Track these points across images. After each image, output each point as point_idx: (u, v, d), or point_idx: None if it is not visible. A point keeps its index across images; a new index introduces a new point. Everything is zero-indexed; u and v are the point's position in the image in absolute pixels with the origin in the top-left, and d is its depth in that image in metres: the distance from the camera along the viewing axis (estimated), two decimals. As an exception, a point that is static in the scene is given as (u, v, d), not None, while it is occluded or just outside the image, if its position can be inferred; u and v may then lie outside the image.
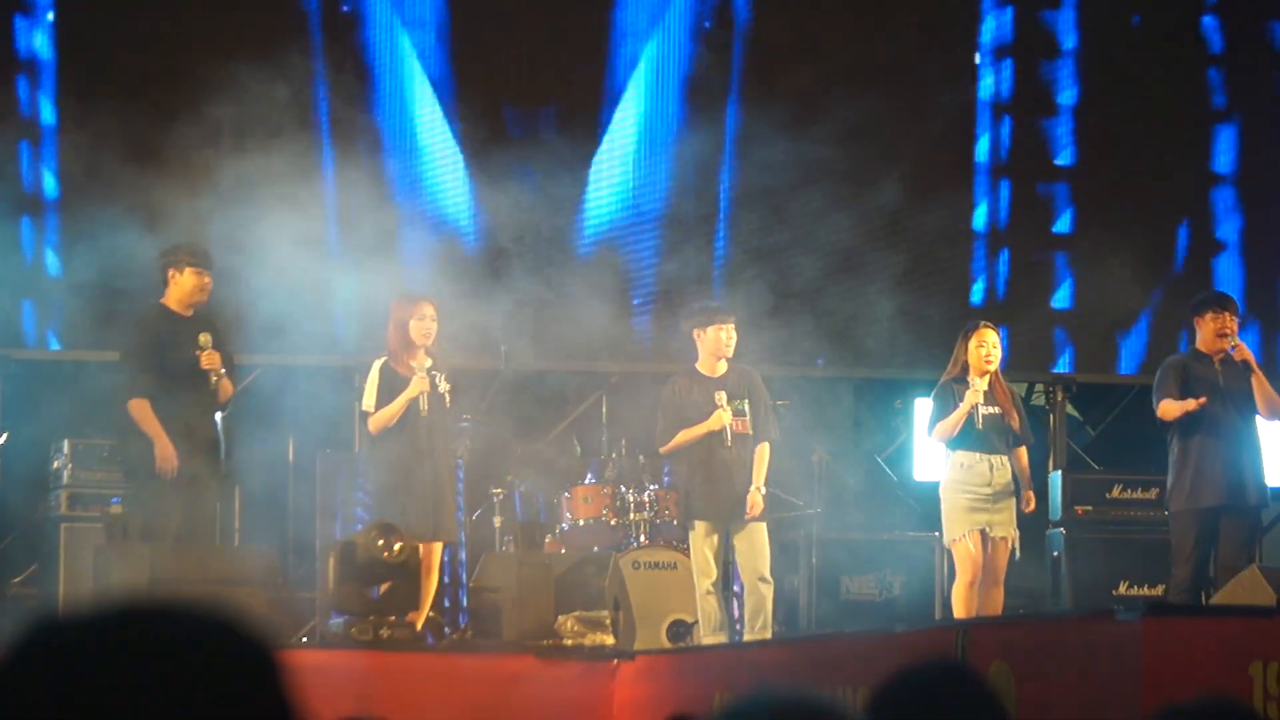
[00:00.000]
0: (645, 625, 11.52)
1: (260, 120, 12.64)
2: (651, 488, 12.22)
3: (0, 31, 13.12)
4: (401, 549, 10.69)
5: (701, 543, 11.01)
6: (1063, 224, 14.35)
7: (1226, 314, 11.08)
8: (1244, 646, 6.78)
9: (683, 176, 13.87)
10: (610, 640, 11.17)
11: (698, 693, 9.63)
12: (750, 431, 11.04)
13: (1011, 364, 12.16)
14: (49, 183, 13.11)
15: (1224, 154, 14.48)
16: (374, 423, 11.00)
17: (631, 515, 12.15)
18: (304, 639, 12.23)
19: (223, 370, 10.70)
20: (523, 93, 13.72)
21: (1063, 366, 14.32)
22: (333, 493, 12.78)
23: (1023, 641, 7.65)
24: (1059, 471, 13.33)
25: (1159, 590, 12.36)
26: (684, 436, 11.05)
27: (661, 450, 11.28)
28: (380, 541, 10.68)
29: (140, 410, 10.55)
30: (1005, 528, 10.90)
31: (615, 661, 10.60)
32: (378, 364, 11.08)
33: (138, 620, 1.79)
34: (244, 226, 12.19)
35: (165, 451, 10.45)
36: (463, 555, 12.49)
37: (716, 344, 11.08)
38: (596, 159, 13.73)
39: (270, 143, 12.54)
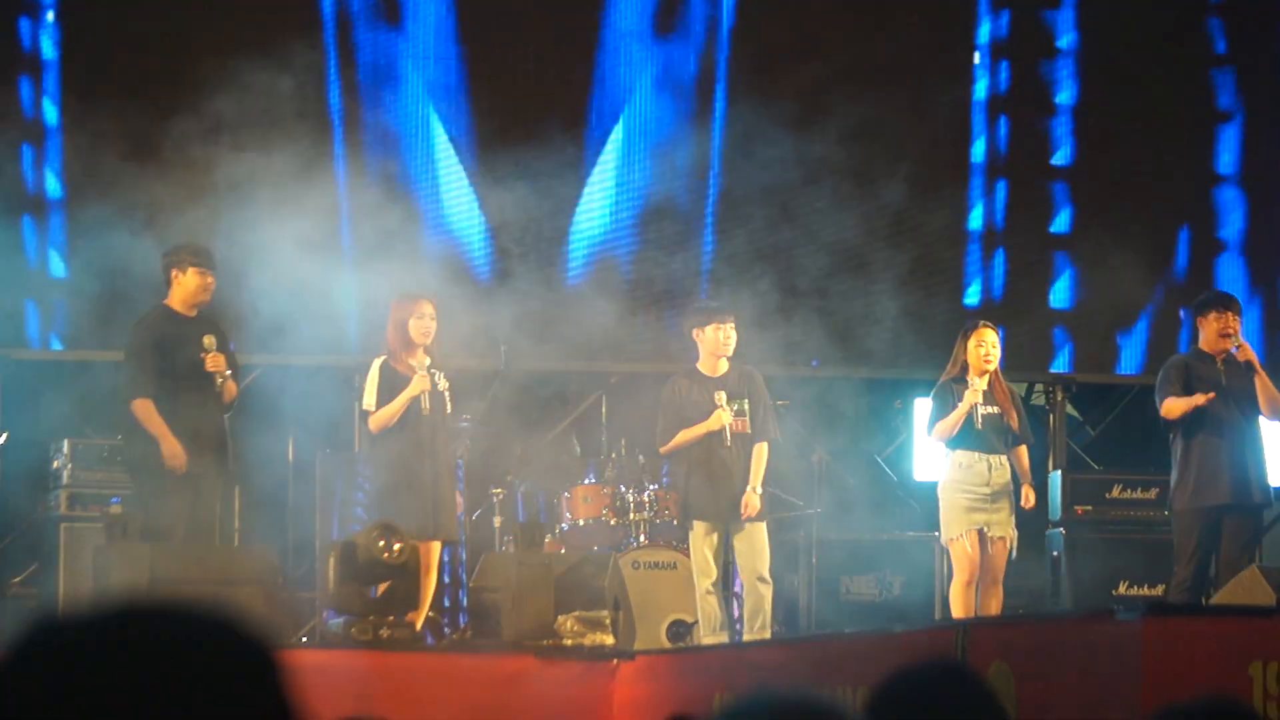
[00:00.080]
0: (645, 625, 11.53)
1: (262, 119, 12.64)
2: (651, 488, 12.22)
3: (4, 32, 13.11)
4: (402, 550, 10.69)
5: (701, 543, 11.02)
6: (1063, 223, 14.35)
7: (1230, 314, 11.08)
8: (1244, 646, 6.78)
9: (683, 176, 13.86)
10: (610, 640, 11.17)
11: (698, 693, 9.63)
12: (750, 431, 11.04)
13: (1011, 364, 12.15)
14: (52, 183, 13.10)
15: (1227, 154, 14.49)
16: (375, 421, 11.00)
17: (631, 515, 12.16)
18: (304, 639, 12.23)
19: (228, 372, 10.70)
20: (525, 93, 13.72)
21: (1062, 366, 14.32)
22: (333, 493, 12.78)
23: (1023, 641, 7.66)
24: (1059, 471, 13.33)
25: (1159, 590, 12.36)
26: (684, 436, 11.06)
27: (662, 450, 11.28)
28: (381, 542, 10.67)
29: (144, 410, 10.54)
30: (1003, 527, 10.91)
31: (615, 661, 10.60)
32: (377, 363, 11.08)
33: (138, 620, 1.79)
34: (245, 226, 12.19)
35: (172, 448, 10.45)
36: (463, 555, 12.50)
37: (716, 343, 11.08)
38: (598, 159, 13.73)
39: (272, 142, 12.53)
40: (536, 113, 13.65)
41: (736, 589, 11.68)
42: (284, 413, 12.80)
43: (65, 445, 12.27)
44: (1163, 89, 14.42)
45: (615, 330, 13.28)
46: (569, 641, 11.06)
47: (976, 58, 14.30)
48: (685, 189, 13.88)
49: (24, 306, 13.13)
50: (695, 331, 11.20)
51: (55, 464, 12.33)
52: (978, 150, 14.25)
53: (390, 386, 10.97)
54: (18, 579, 12.81)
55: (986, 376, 10.96)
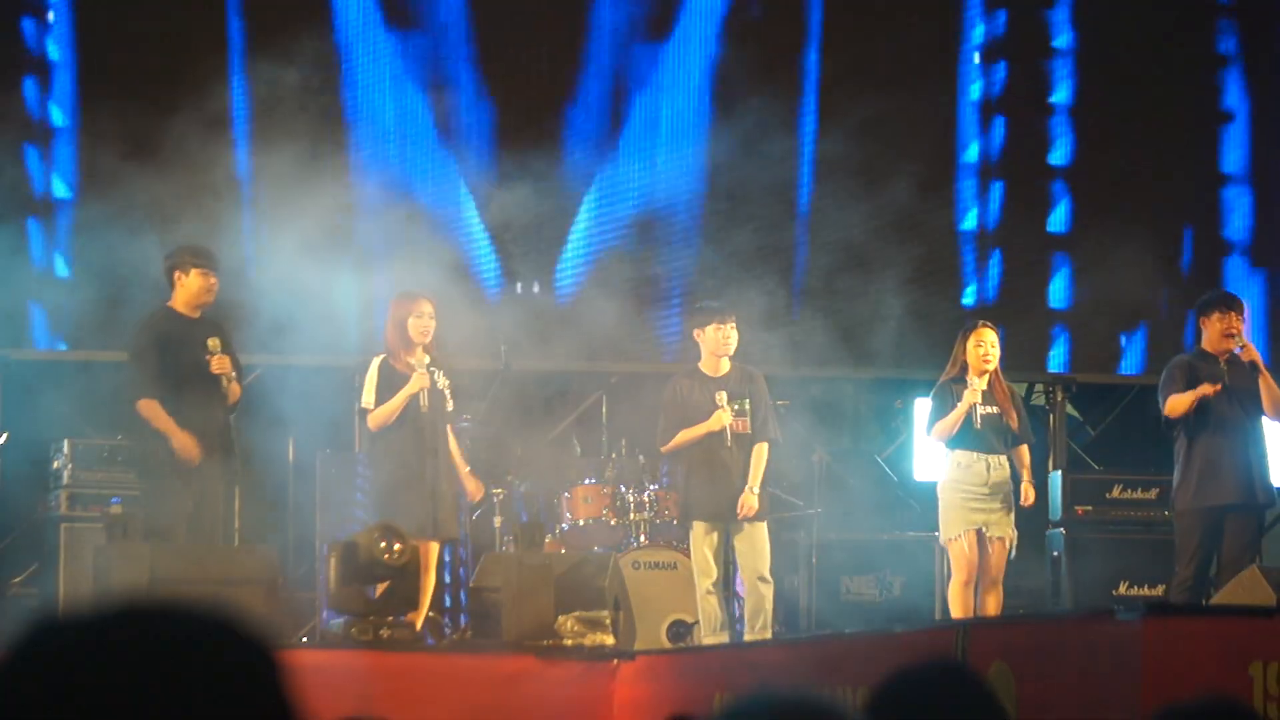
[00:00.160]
0: (645, 625, 11.52)
1: (266, 119, 12.64)
2: (651, 488, 12.23)
3: (9, 34, 13.11)
4: (402, 551, 10.69)
5: (701, 542, 11.02)
6: (1062, 223, 14.35)
7: (1233, 314, 11.06)
8: (1244, 646, 6.78)
9: (685, 176, 13.86)
10: (610, 640, 11.16)
11: (698, 693, 9.63)
12: (750, 431, 11.04)
13: (1011, 364, 12.16)
14: (58, 185, 13.09)
15: (1232, 154, 14.49)
16: (374, 419, 11.00)
17: (631, 515, 12.16)
18: (304, 639, 12.23)
19: (233, 374, 10.71)
20: (528, 93, 13.72)
21: (1062, 366, 14.32)
22: (332, 493, 12.78)
23: (1023, 641, 7.65)
24: (1059, 471, 13.33)
25: (1159, 590, 12.36)
26: (685, 436, 11.06)
27: (662, 450, 11.28)
28: (382, 543, 10.67)
29: (150, 409, 10.54)
30: (1002, 527, 10.90)
31: (615, 661, 10.60)
32: (376, 361, 11.09)
33: (138, 620, 1.79)
34: (248, 226, 12.19)
35: (183, 442, 10.44)
36: (464, 554, 12.50)
37: (716, 343, 11.08)
38: (599, 159, 13.73)
39: (274, 142, 12.54)
40: (539, 113, 13.65)
41: (738, 589, 11.68)
42: (284, 413, 12.80)
43: (65, 445, 12.27)
44: (1162, 88, 14.42)
45: (615, 330, 13.28)
46: (569, 641, 11.06)
47: (976, 58, 14.30)
48: (686, 189, 13.88)
49: (27, 308, 13.11)
50: (696, 331, 11.21)
51: (55, 464, 12.33)
52: (977, 150, 14.25)
53: (389, 384, 10.98)
54: (18, 579, 12.81)
55: (986, 376, 10.95)
